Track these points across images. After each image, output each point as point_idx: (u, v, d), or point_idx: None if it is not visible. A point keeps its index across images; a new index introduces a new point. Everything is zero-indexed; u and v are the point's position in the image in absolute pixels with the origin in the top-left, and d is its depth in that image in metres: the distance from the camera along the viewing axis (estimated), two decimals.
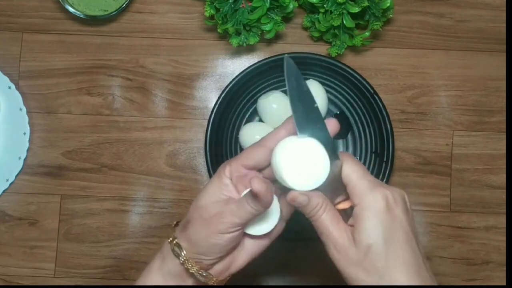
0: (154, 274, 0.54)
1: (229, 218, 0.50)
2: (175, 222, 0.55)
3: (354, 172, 0.49)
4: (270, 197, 0.49)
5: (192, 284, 0.53)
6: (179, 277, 0.53)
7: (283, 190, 0.53)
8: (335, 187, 0.50)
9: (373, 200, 0.47)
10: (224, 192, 0.52)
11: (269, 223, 0.53)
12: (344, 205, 0.51)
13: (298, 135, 0.50)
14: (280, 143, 0.50)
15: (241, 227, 0.51)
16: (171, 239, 0.53)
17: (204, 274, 0.52)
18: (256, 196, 0.48)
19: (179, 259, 0.52)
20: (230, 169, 0.52)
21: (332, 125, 0.51)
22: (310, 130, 0.49)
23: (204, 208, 0.51)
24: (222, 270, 0.53)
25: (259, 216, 0.51)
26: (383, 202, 0.47)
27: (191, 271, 0.51)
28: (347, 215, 0.51)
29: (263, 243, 0.55)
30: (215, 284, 0.53)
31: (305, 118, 0.49)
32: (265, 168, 0.53)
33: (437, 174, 0.76)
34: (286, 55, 0.51)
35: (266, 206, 0.49)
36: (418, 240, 0.49)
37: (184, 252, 0.51)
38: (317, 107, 0.50)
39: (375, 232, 0.46)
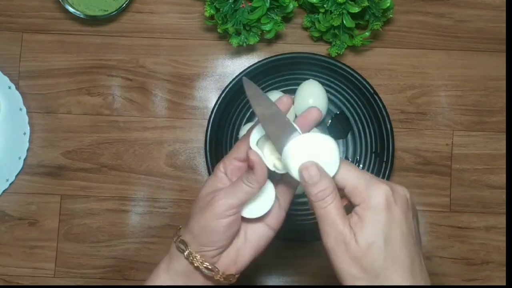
0: (162, 276, 0.54)
1: (223, 199, 0.51)
2: (180, 226, 0.56)
3: (348, 173, 0.48)
4: (264, 170, 0.49)
5: (200, 284, 0.54)
6: (186, 275, 0.53)
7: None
8: None
9: (374, 198, 0.46)
10: (218, 184, 0.53)
11: (265, 205, 0.53)
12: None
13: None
14: (256, 127, 0.51)
15: (237, 209, 0.51)
16: (176, 237, 0.54)
17: (210, 267, 0.52)
18: (252, 169, 0.49)
19: (184, 254, 0.52)
20: (224, 164, 0.54)
21: (313, 113, 0.52)
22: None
23: (201, 199, 0.53)
24: (228, 263, 0.53)
25: (253, 198, 0.52)
26: (383, 199, 0.46)
27: (195, 264, 0.52)
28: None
29: (266, 234, 0.54)
30: (223, 280, 0.53)
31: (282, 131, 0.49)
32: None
33: (437, 174, 0.76)
34: (243, 77, 0.52)
35: (260, 180, 0.50)
36: (419, 240, 0.48)
37: (188, 246, 0.52)
38: (285, 118, 0.50)
39: (377, 232, 0.46)
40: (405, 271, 0.46)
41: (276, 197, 0.53)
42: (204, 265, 0.52)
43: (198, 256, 0.52)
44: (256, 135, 0.52)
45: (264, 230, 0.54)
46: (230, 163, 0.53)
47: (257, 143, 0.52)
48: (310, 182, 0.48)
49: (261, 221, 0.54)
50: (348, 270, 0.47)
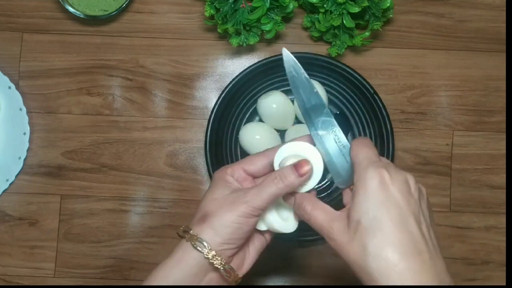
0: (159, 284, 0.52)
1: (252, 200, 0.51)
2: (182, 226, 0.54)
3: (360, 153, 0.49)
4: (310, 167, 0.52)
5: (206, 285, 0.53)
6: (195, 278, 0.52)
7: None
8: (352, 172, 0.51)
9: (367, 178, 0.46)
10: (233, 186, 0.54)
11: (291, 223, 0.55)
12: None
13: (324, 112, 0.53)
14: (279, 148, 0.54)
15: (262, 211, 0.52)
16: (188, 236, 0.52)
17: (228, 268, 0.52)
18: (301, 176, 0.51)
19: (203, 252, 0.51)
20: (231, 170, 0.55)
21: (305, 139, 0.55)
22: (315, 116, 0.53)
23: (221, 199, 0.53)
24: (238, 265, 0.54)
25: (281, 215, 0.55)
26: (376, 181, 0.46)
27: (216, 264, 0.51)
28: None
29: (264, 243, 0.57)
30: (233, 284, 0.53)
31: (309, 104, 0.54)
32: (260, 177, 0.56)
33: (437, 174, 0.76)
34: (283, 48, 0.54)
35: (303, 177, 0.52)
36: (426, 223, 0.46)
37: (209, 244, 0.51)
38: (316, 92, 0.54)
39: (364, 208, 0.46)
40: (406, 250, 0.44)
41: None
42: (224, 266, 0.51)
43: (219, 255, 0.51)
44: (279, 157, 0.54)
45: (262, 238, 0.57)
46: (238, 172, 0.55)
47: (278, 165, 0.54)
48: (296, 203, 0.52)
49: (264, 232, 0.56)
50: (346, 256, 0.47)
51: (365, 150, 0.49)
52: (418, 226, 0.45)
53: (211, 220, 0.52)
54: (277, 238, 0.58)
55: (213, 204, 0.53)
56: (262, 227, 0.55)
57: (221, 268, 0.51)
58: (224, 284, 0.53)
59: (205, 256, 0.51)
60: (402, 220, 0.45)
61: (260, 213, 0.52)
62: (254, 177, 0.56)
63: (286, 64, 0.54)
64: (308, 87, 0.54)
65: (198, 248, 0.51)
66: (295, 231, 0.55)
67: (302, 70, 0.54)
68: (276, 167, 0.54)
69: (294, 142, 0.54)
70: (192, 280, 0.52)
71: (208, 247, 0.51)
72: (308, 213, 0.50)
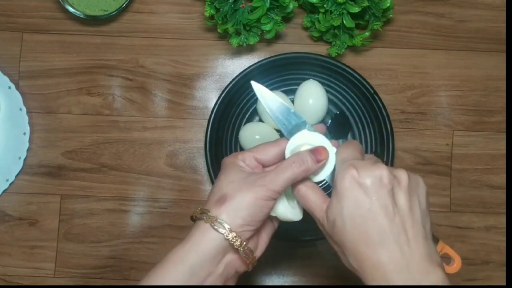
0: (175, 268, 0.51)
1: (271, 183, 0.51)
2: (199, 209, 0.54)
3: (340, 155, 0.52)
4: (328, 155, 0.53)
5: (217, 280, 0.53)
6: (213, 261, 0.51)
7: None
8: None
9: (337, 179, 0.49)
10: (247, 170, 0.55)
11: (299, 211, 0.56)
12: None
13: (306, 128, 0.55)
14: (291, 139, 0.55)
15: (279, 195, 0.52)
16: (206, 217, 0.52)
17: (247, 249, 0.52)
18: (318, 162, 0.52)
19: (223, 234, 0.51)
20: (243, 157, 0.55)
21: (319, 128, 0.57)
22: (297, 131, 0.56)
23: (239, 181, 0.53)
24: (253, 247, 0.54)
25: (292, 205, 0.55)
26: (346, 180, 0.48)
27: (235, 246, 0.51)
28: None
29: (273, 227, 0.58)
30: (250, 265, 0.53)
31: (290, 126, 0.56)
32: (270, 167, 0.56)
33: (437, 174, 0.76)
34: (252, 81, 0.57)
35: (320, 163, 0.52)
36: (401, 213, 0.47)
37: (230, 225, 0.51)
38: (294, 112, 0.56)
39: (338, 208, 0.48)
40: (376, 245, 0.47)
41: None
42: (244, 246, 0.51)
43: (239, 236, 0.51)
44: (292, 145, 0.55)
45: (271, 224, 0.57)
46: (249, 160, 0.55)
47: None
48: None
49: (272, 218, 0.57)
50: (335, 248, 0.51)
51: (345, 151, 0.52)
52: (388, 218, 0.47)
53: (231, 202, 0.52)
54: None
55: (231, 187, 0.53)
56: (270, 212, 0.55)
57: (241, 249, 0.51)
58: (242, 266, 0.54)
59: (225, 237, 0.51)
60: (372, 217, 0.47)
61: (277, 196, 0.52)
62: (264, 166, 0.56)
63: (258, 95, 0.56)
64: (285, 110, 0.56)
65: (219, 229, 0.51)
66: (300, 220, 0.56)
67: (274, 96, 0.56)
68: (287, 155, 0.54)
69: (306, 132, 0.55)
70: (210, 262, 0.51)
71: (228, 228, 0.51)
72: (302, 195, 0.52)
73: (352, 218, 0.48)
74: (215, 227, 0.51)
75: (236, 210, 0.51)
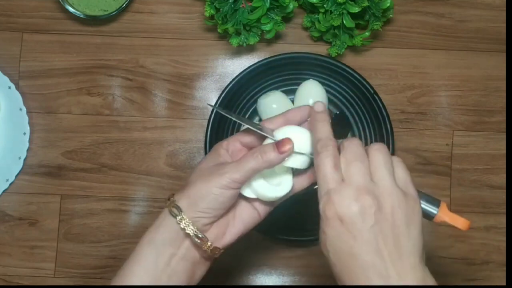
0: (145, 249, 0.54)
1: (230, 173, 0.52)
2: (173, 193, 0.56)
3: (313, 136, 0.51)
4: (292, 146, 0.52)
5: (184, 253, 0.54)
6: (172, 245, 0.53)
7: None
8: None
9: (321, 205, 0.48)
10: (220, 159, 0.55)
11: (282, 188, 0.55)
12: None
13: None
14: (281, 128, 0.55)
15: (240, 184, 0.53)
16: (168, 202, 0.54)
17: (200, 236, 0.52)
18: (281, 154, 0.52)
19: (176, 218, 0.52)
20: (227, 143, 0.57)
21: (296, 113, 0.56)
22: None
23: (204, 169, 0.54)
24: (217, 235, 0.54)
25: (271, 181, 0.55)
26: (328, 212, 0.47)
27: (187, 230, 0.52)
28: None
29: (254, 217, 0.56)
30: (209, 252, 0.53)
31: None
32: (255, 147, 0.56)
33: (437, 174, 0.76)
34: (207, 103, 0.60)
35: (283, 154, 0.52)
36: (390, 251, 0.45)
37: (182, 212, 0.53)
38: (258, 124, 0.57)
39: (324, 233, 0.48)
40: (358, 279, 0.46)
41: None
42: (195, 233, 0.52)
43: (191, 223, 0.52)
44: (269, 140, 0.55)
45: (253, 212, 0.56)
46: (233, 144, 0.56)
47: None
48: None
49: (253, 203, 0.56)
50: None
51: (319, 131, 0.51)
52: (373, 254, 0.45)
53: (190, 189, 0.53)
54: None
55: (196, 174, 0.55)
56: (249, 193, 0.55)
57: (193, 235, 0.52)
58: (199, 253, 0.54)
59: (177, 222, 0.52)
60: (356, 252, 0.46)
61: (238, 186, 0.53)
62: (250, 148, 0.57)
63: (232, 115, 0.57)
64: (251, 122, 0.57)
65: (173, 214, 0.53)
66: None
67: (232, 116, 0.57)
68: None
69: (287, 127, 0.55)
70: (170, 244, 0.53)
71: (181, 213, 0.52)
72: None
73: (335, 252, 0.47)
74: (171, 212, 0.53)
75: (191, 197, 0.53)
